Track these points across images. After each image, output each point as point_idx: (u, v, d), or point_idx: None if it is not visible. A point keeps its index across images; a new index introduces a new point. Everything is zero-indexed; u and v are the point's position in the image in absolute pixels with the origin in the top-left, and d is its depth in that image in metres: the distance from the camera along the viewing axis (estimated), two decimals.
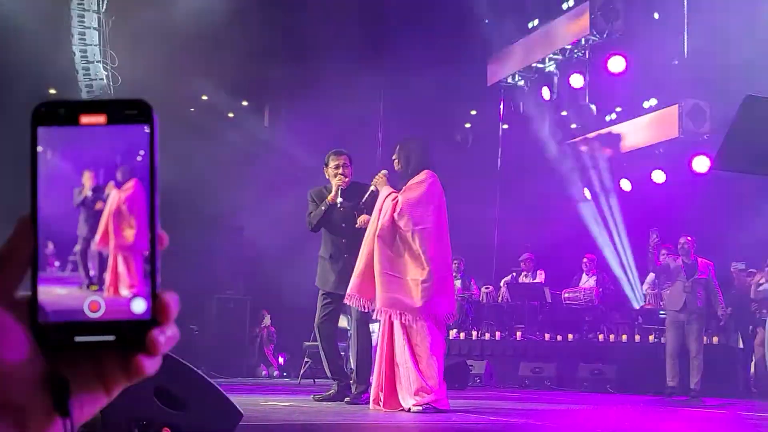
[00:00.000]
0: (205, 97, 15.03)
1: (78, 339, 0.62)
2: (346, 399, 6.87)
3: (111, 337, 0.62)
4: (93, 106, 0.65)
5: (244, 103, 15.94)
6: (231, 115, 15.83)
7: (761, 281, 10.86)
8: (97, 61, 11.92)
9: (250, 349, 14.04)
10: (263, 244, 13.85)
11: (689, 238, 9.65)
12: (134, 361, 0.62)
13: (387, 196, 6.25)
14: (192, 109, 14.86)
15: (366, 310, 6.27)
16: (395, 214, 6.12)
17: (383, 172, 6.45)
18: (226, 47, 12.34)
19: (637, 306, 12.79)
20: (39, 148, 0.64)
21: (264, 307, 14.27)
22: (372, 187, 6.51)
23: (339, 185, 6.97)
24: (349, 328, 8.82)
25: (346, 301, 6.33)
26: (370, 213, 6.55)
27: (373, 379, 6.32)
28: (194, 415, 3.27)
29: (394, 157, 6.49)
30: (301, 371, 11.46)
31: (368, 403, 6.36)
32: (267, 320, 14.25)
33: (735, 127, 4.15)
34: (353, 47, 12.88)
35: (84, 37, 11.37)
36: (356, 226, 6.80)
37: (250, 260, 14.39)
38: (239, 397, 6.68)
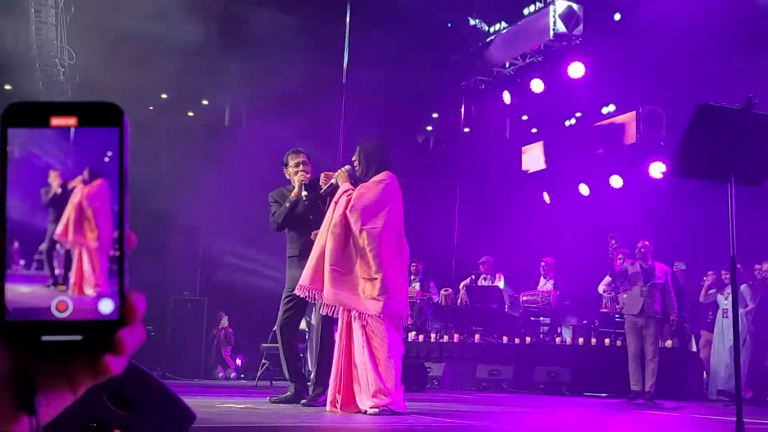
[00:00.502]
0: (164, 96, 14.90)
1: (45, 338, 0.62)
2: (303, 401, 6.84)
3: (78, 337, 0.63)
4: (64, 108, 0.65)
5: (205, 102, 15.83)
6: (191, 114, 15.71)
7: (710, 285, 11.05)
8: (55, 58, 11.74)
9: (207, 351, 13.93)
10: (221, 245, 13.77)
11: (647, 242, 9.78)
12: (101, 361, 0.63)
13: (343, 192, 6.25)
14: (151, 107, 14.72)
15: (314, 302, 6.26)
16: (347, 211, 6.13)
17: (345, 168, 6.45)
18: (187, 45, 12.23)
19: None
20: (8, 149, 0.64)
21: (221, 308, 14.17)
22: (333, 181, 6.49)
23: (301, 180, 7.01)
24: (307, 330, 8.80)
25: (297, 291, 6.30)
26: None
27: (331, 381, 6.31)
28: (145, 416, 3.23)
29: (353, 159, 6.49)
30: (259, 373, 11.40)
31: (325, 405, 6.35)
32: (224, 321, 14.15)
33: (688, 135, 4.22)
34: (315, 47, 12.85)
35: (41, 33, 11.20)
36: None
37: (208, 261, 14.28)
38: (195, 399, 6.63)
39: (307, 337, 7.94)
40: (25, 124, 0.65)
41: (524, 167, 15.76)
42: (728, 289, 10.48)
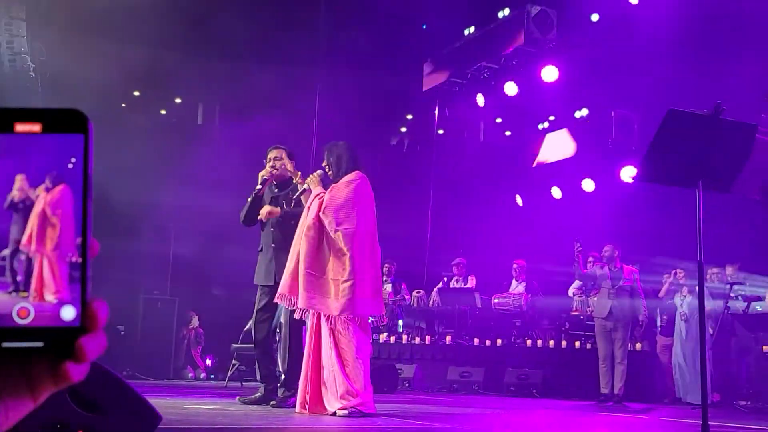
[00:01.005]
0: (136, 93, 14.78)
1: (6, 345, 0.62)
2: (272, 402, 6.83)
3: (39, 344, 0.62)
4: (28, 114, 0.64)
5: (178, 100, 15.72)
6: (163, 112, 15.60)
7: (670, 286, 11.16)
8: (25, 54, 11.61)
9: (177, 351, 13.83)
10: (192, 244, 13.67)
11: (612, 245, 9.89)
12: (62, 368, 0.63)
13: (315, 196, 6.24)
14: (123, 105, 14.60)
15: (293, 308, 6.24)
16: (320, 213, 6.12)
17: (317, 172, 6.44)
18: (160, 43, 12.15)
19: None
20: None
21: (192, 308, 14.08)
22: (305, 186, 6.49)
23: (262, 174, 7.07)
24: (279, 331, 8.78)
25: (277, 300, 6.32)
26: (301, 211, 6.58)
27: (300, 383, 6.29)
28: (111, 418, 3.20)
29: (324, 164, 6.48)
30: (229, 373, 11.33)
31: (294, 406, 6.33)
32: (195, 321, 14.05)
33: (657, 140, 4.25)
34: (289, 48, 12.81)
35: (11, 28, 11.06)
36: (259, 217, 6.91)
37: (179, 260, 14.18)
38: (163, 400, 6.58)
39: (278, 337, 7.91)
40: None
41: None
42: (684, 290, 10.60)
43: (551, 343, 11.91)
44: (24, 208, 0.65)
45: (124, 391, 3.30)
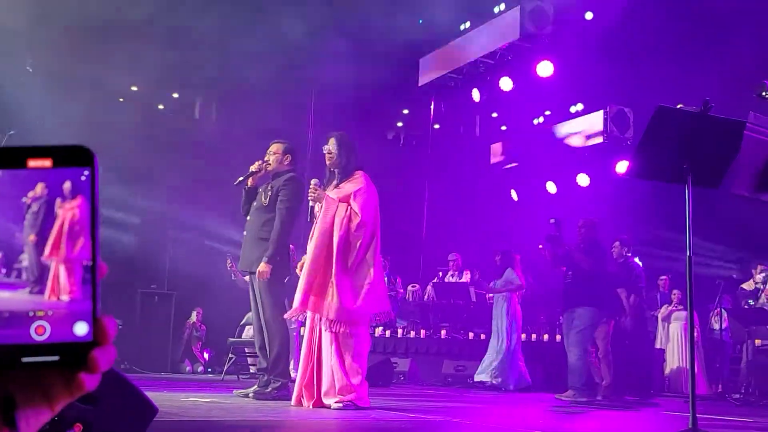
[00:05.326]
0: (134, 88, 14.80)
1: (25, 360, 0.69)
2: (254, 388, 7.00)
3: (55, 358, 0.69)
4: (40, 151, 0.71)
5: (175, 95, 15.74)
6: (161, 107, 15.62)
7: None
8: (23, 49, 11.63)
9: (174, 345, 13.88)
10: (189, 238, 13.71)
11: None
12: (76, 379, 0.70)
13: (334, 205, 6.27)
14: (121, 99, 14.62)
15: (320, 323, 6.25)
16: (352, 225, 6.20)
17: (314, 182, 6.47)
18: (158, 37, 12.17)
19: None
20: None
21: (189, 301, 14.10)
22: (316, 205, 6.48)
23: (251, 168, 7.23)
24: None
25: (288, 316, 6.47)
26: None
27: (298, 375, 6.36)
28: (107, 410, 3.25)
29: (329, 148, 6.50)
30: (225, 367, 11.40)
31: (290, 398, 6.39)
32: (193, 316, 14.10)
33: (646, 136, 4.31)
34: (286, 41, 12.83)
35: (7, 24, 11.06)
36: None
37: (176, 254, 14.21)
38: (160, 393, 6.63)
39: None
40: (4, 166, 0.71)
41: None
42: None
43: (545, 337, 11.96)
44: (43, 214, 0.72)
45: (120, 383, 3.35)
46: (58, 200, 0.72)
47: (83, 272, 0.71)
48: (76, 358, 0.69)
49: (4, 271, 0.71)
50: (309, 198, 6.41)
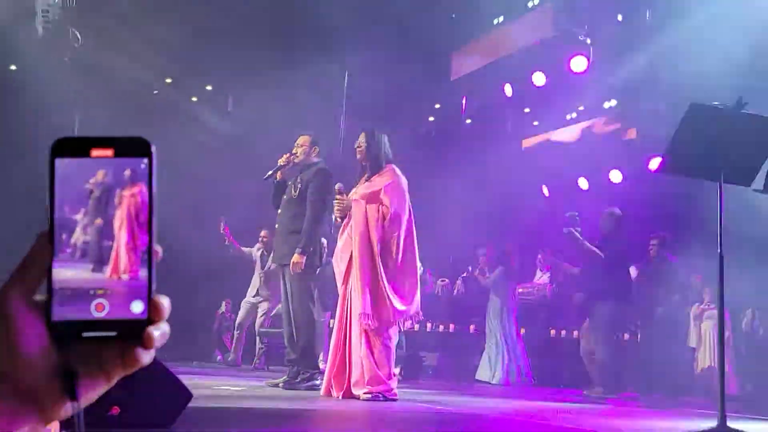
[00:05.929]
0: (169, 80, 14.93)
1: (85, 335, 0.74)
2: (284, 378, 7.07)
3: (113, 333, 0.74)
4: (103, 142, 0.77)
5: (208, 88, 15.85)
6: (195, 99, 15.75)
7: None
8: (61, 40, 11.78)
9: (204, 334, 14.00)
10: (219, 229, 13.79)
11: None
12: (132, 354, 0.75)
13: (363, 207, 6.33)
14: (156, 92, 14.76)
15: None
16: (386, 223, 6.27)
17: (338, 187, 6.55)
18: (191, 30, 12.27)
19: None
20: (56, 167, 0.76)
21: (219, 291, 14.16)
22: (341, 217, 6.55)
23: (279, 161, 7.37)
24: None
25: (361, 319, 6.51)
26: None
27: (327, 366, 6.43)
28: (143, 394, 3.34)
29: (360, 143, 6.56)
30: (256, 357, 11.49)
31: (319, 389, 6.47)
32: (223, 307, 14.20)
33: (679, 133, 4.31)
34: (318, 36, 12.88)
35: (47, 14, 11.24)
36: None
37: (207, 243, 14.28)
38: (191, 380, 6.73)
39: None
40: (69, 155, 0.77)
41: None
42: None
43: (575, 333, 11.92)
44: (105, 199, 0.77)
45: (156, 368, 3.44)
46: (119, 188, 0.77)
47: (141, 255, 0.77)
48: (133, 334, 0.74)
49: (69, 250, 0.77)
50: (336, 211, 6.47)
